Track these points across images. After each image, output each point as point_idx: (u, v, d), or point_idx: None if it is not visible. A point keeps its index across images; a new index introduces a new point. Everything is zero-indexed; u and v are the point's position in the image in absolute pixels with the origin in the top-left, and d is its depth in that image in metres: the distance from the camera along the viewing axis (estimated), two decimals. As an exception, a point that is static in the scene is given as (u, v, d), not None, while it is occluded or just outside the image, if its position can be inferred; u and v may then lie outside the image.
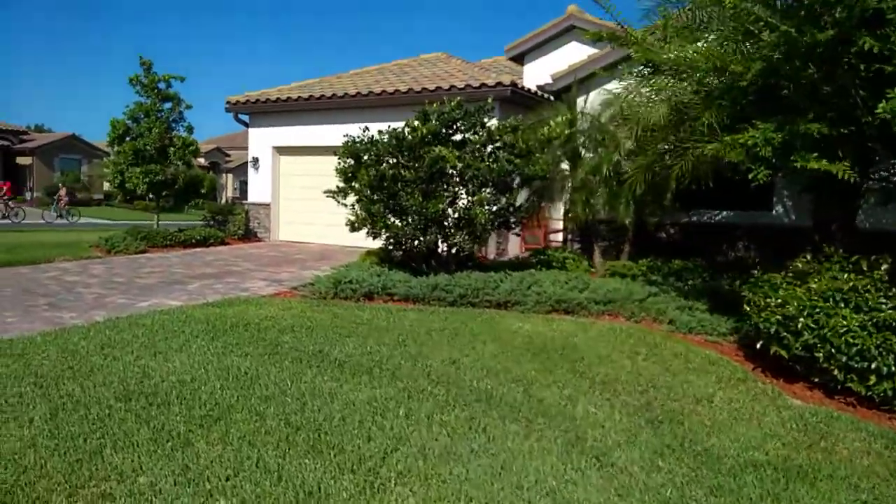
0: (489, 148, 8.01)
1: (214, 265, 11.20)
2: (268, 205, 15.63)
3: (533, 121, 8.47)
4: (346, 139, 8.89)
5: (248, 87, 21.25)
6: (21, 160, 41.22)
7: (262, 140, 15.64)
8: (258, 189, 15.78)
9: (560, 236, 13.69)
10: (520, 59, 13.89)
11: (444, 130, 8.08)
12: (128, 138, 13.70)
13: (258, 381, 4.68)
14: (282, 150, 15.58)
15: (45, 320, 6.76)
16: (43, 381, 4.56)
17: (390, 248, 8.74)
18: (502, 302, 7.55)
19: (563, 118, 8.24)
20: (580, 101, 11.06)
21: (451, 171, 7.59)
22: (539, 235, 13.43)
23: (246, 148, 56.34)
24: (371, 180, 7.80)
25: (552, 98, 11.38)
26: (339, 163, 8.79)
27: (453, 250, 8.48)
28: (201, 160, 56.84)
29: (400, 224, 7.99)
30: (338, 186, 8.81)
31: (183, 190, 13.83)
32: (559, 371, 5.23)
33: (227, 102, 15.49)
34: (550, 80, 11.30)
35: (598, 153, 9.13)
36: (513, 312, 7.38)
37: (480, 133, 7.91)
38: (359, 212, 8.37)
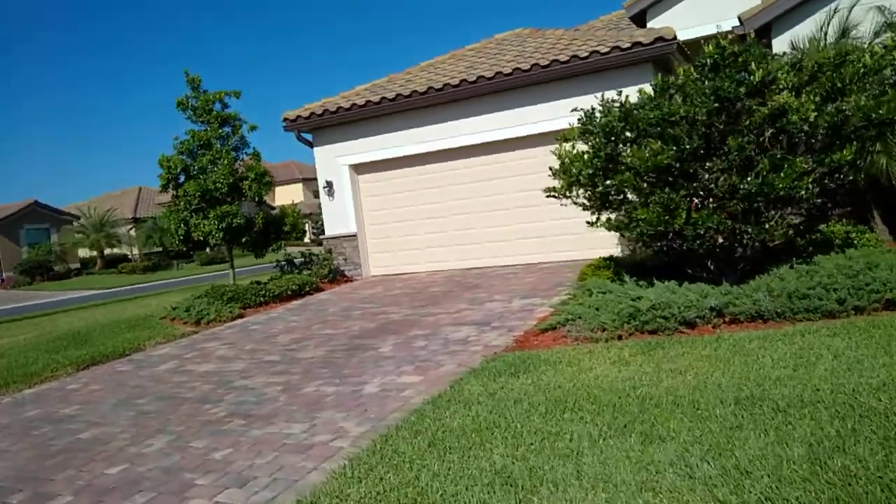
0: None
1: (355, 317, 8.63)
2: (353, 236, 13.01)
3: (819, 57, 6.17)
4: (579, 112, 6.50)
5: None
6: (-22, 238, 37.43)
7: (332, 160, 13.05)
8: (337, 219, 13.15)
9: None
10: (641, 17, 11.71)
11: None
12: (181, 178, 11.03)
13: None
14: (360, 168, 13.03)
15: (276, 448, 4.18)
16: None
17: (658, 249, 6.32)
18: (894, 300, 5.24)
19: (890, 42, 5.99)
20: (779, 40, 8.91)
21: (794, 129, 5.23)
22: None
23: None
24: (660, 159, 5.40)
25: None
26: (571, 146, 6.39)
27: (750, 242, 6.11)
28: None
29: (702, 214, 5.58)
30: (573, 179, 6.38)
31: (262, 232, 11.18)
32: None
33: (285, 120, 12.81)
34: (738, 23, 9.08)
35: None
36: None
37: (796, 72, 5.58)
38: (625, 213, 5.93)
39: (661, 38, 9.59)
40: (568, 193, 6.59)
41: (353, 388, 5.30)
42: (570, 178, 6.45)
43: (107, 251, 41.33)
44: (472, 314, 7.73)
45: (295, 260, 13.03)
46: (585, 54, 10.14)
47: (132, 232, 43.62)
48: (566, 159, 6.43)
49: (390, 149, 12.51)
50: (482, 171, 11.92)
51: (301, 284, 11.29)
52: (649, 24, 11.58)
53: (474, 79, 11.09)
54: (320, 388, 5.48)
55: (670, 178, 5.60)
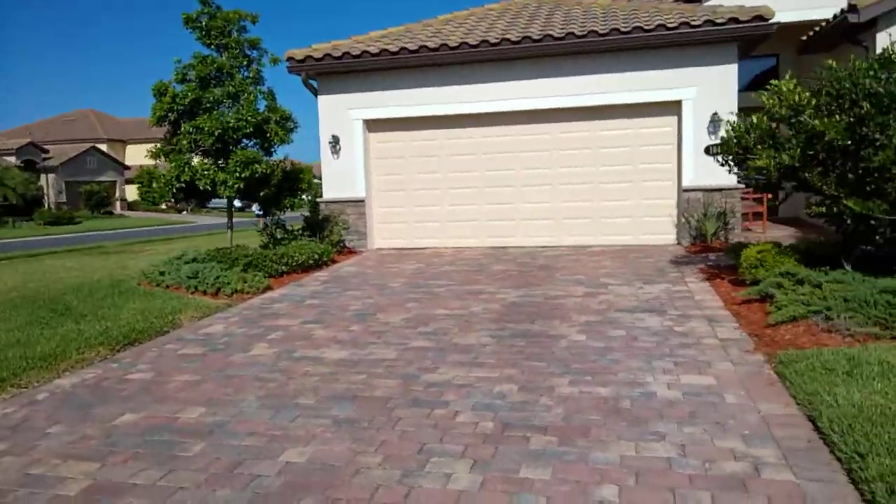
0: None
1: (444, 296, 7.15)
2: (360, 201, 11.23)
3: None
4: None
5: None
6: None
7: (342, 112, 11.15)
8: (341, 181, 11.27)
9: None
10: (699, -5, 11.19)
11: None
12: (174, 112, 8.58)
13: None
14: (374, 125, 11.26)
15: (687, 486, 2.87)
16: None
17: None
18: None
19: None
20: (883, 35, 8.79)
21: None
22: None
23: (64, 141, 48.90)
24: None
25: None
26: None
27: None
28: (12, 158, 45.02)
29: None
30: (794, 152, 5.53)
31: (278, 187, 9.18)
32: None
33: (290, 59, 10.72)
34: (847, 6, 8.79)
35: None
36: None
37: None
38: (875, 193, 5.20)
39: (760, 17, 9.09)
40: (779, 167, 5.74)
41: (638, 391, 4.03)
42: (788, 150, 5.59)
43: (-85, 195, 34.20)
44: (614, 300, 6.63)
45: (283, 226, 10.94)
46: (673, 25, 9.38)
47: (-50, 178, 36.50)
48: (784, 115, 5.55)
49: (415, 106, 10.95)
50: (524, 142, 10.79)
51: (320, 254, 9.43)
52: (705, 4, 11.09)
53: (539, 37, 9.91)
54: (580, 388, 4.13)
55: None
